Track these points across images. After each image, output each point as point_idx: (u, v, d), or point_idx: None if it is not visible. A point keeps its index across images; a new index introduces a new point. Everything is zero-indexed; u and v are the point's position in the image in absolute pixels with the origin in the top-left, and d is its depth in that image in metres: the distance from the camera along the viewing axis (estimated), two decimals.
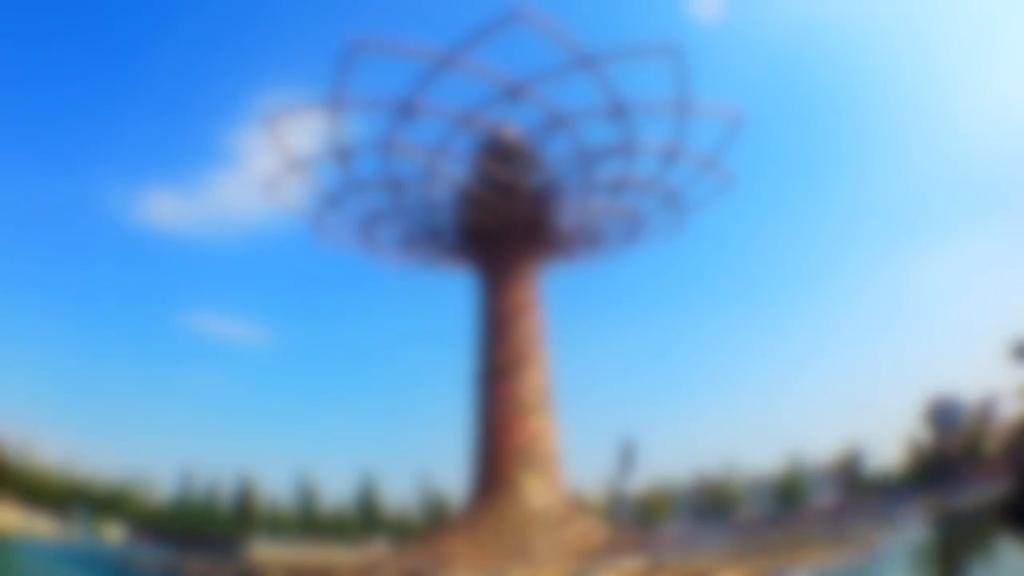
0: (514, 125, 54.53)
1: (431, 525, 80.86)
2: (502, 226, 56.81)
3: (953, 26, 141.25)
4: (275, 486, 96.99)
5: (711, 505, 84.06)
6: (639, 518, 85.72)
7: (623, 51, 45.04)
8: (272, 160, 53.36)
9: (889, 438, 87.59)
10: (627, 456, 69.40)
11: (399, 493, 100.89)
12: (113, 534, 76.19)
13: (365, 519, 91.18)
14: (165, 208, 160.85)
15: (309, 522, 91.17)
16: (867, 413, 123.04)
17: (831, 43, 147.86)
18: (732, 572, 42.19)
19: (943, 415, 60.16)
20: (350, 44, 43.26)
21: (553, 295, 61.52)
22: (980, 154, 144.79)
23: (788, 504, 76.05)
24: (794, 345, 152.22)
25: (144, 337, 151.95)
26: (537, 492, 53.23)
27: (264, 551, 75.88)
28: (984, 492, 47.87)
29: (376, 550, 78.08)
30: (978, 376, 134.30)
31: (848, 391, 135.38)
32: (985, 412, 64.89)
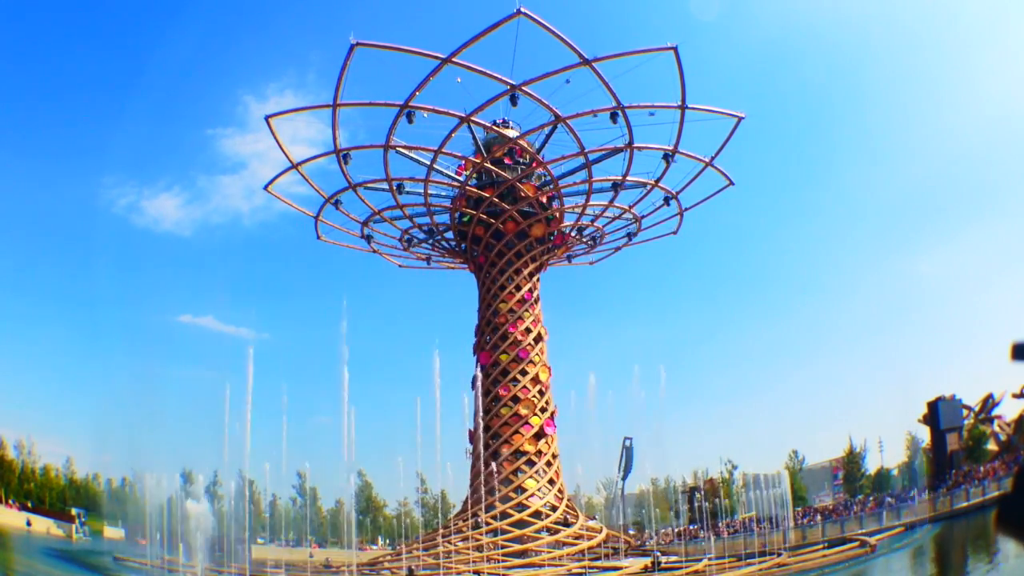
0: (514, 125, 54.56)
1: (431, 525, 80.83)
2: (502, 226, 56.78)
3: (953, 25, 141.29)
4: (275, 486, 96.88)
5: (711, 505, 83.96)
6: (639, 518, 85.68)
7: (623, 51, 45.09)
8: (273, 161, 53.52)
9: (889, 438, 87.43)
10: (627, 456, 69.30)
11: (399, 493, 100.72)
12: (113, 534, 76.17)
13: (365, 519, 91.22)
14: (167, 210, 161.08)
15: (309, 522, 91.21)
16: (867, 413, 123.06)
17: (831, 42, 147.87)
18: (732, 573, 42.20)
19: (943, 415, 60.09)
20: (350, 45, 43.30)
21: (553, 295, 61.48)
22: (980, 153, 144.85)
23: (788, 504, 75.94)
24: (794, 345, 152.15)
25: (145, 337, 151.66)
26: (537, 492, 53.24)
27: (264, 551, 75.96)
28: (984, 492, 47.85)
29: (376, 550, 78.13)
30: (978, 376, 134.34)
31: (848, 391, 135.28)
32: (985, 412, 64.84)
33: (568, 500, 56.18)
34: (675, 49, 44.36)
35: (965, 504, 48.40)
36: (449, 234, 61.07)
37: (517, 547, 48.99)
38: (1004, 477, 47.26)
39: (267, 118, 50.96)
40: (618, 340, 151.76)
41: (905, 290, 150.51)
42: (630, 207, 58.69)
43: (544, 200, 57.51)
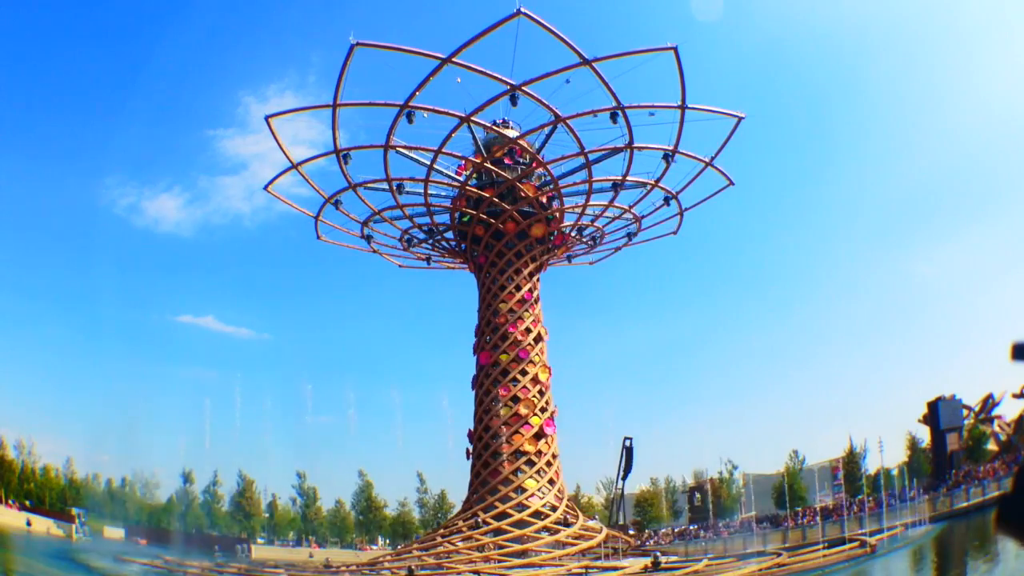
0: (514, 125, 54.55)
1: (431, 525, 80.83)
2: (502, 226, 56.77)
3: (953, 24, 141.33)
4: (275, 486, 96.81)
5: (711, 505, 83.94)
6: (639, 518, 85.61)
7: (623, 51, 45.08)
8: (273, 162, 53.60)
9: (889, 438, 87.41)
10: (627, 456, 69.20)
11: (399, 493, 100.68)
12: (113, 534, 76.13)
13: (365, 519, 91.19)
14: (168, 210, 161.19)
15: (309, 522, 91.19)
16: (867, 413, 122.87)
17: (831, 42, 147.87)
18: (732, 573, 42.23)
19: (943, 415, 60.10)
20: (350, 45, 43.31)
21: (553, 295, 61.40)
22: (980, 153, 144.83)
23: (788, 504, 75.96)
24: (794, 345, 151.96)
25: (145, 338, 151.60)
26: (537, 492, 53.24)
27: (264, 551, 75.99)
28: (984, 492, 47.87)
29: (376, 550, 78.12)
30: (978, 376, 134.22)
31: (848, 391, 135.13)
32: (985, 412, 64.86)
33: (568, 500, 56.20)
34: (675, 49, 44.37)
35: (965, 504, 48.44)
36: (449, 234, 61.07)
37: (517, 547, 48.99)
38: (1004, 477, 47.27)
39: (267, 118, 51.01)
40: (618, 340, 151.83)
41: (905, 290, 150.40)
42: (630, 207, 58.68)
43: (544, 200, 57.51)
